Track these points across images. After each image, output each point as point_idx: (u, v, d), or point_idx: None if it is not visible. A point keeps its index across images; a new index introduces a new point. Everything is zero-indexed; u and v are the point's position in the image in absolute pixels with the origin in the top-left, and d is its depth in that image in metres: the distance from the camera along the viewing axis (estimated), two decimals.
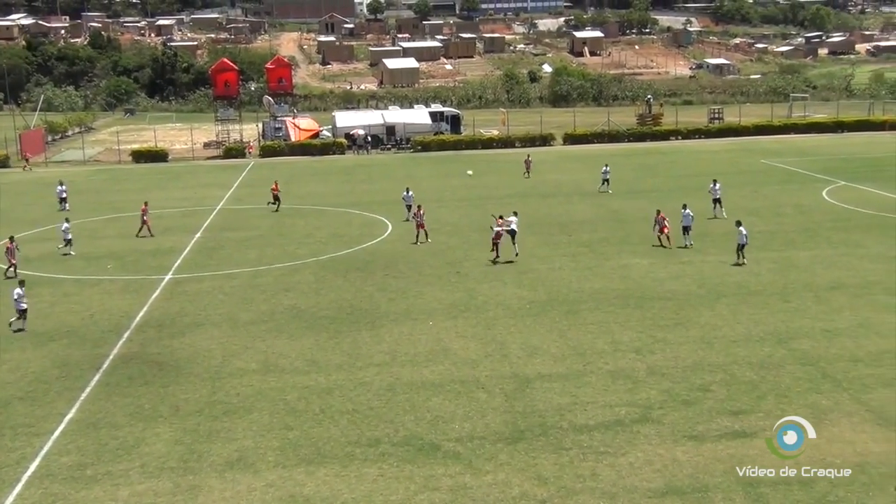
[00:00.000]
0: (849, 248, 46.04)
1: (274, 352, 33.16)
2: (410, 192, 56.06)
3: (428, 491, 22.80)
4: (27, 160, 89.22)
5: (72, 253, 49.01)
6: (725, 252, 44.65)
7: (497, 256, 44.49)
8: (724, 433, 25.39)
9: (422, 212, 49.80)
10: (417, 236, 49.47)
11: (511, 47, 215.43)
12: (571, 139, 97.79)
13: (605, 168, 66.27)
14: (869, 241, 47.22)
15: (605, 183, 65.22)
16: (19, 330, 35.77)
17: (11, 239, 44.08)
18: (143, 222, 53.54)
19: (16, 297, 35.96)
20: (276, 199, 61.71)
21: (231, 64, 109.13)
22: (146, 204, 54.73)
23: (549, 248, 46.76)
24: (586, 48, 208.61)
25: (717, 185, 54.49)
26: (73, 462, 24.95)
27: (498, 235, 44.53)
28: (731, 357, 31.09)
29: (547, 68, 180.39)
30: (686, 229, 46.58)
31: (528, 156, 76.70)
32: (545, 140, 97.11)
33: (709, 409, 27.06)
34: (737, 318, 35.07)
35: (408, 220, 53.92)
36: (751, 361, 30.64)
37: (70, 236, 49.58)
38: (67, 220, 51.17)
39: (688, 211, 46.76)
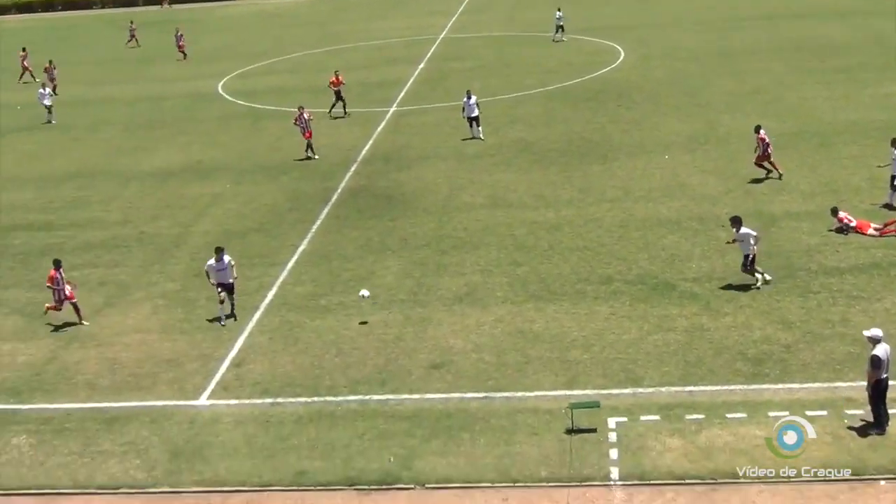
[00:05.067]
0: None
1: (501, 186, 32.33)
2: (472, 99, 38.40)
3: (662, 331, 21.63)
4: None
5: None
6: None
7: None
8: None
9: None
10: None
11: None
12: None
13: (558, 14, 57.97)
14: None
15: (560, 30, 57.69)
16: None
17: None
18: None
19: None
20: None
21: None
22: None
23: (799, 74, 43.16)
24: None
25: None
26: (307, 292, 25.30)
27: None
28: None
29: None
30: None
31: None
32: None
33: None
34: None
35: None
36: None
37: None
38: None
39: None
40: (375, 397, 19.96)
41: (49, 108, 47.66)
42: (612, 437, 17.81)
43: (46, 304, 24.96)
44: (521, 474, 16.98)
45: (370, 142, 38.89)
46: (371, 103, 45.41)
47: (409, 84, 49.21)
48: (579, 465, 17.07)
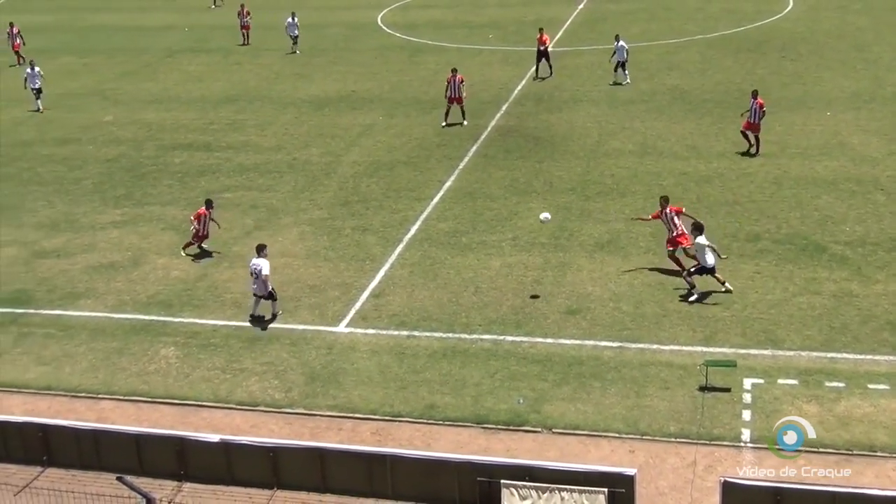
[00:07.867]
0: None
1: (652, 134, 31.72)
2: (621, 42, 37.67)
3: (808, 294, 21.00)
4: None
5: None
6: None
7: None
8: None
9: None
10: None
11: None
12: None
13: None
14: None
15: None
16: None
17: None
18: None
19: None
20: None
21: None
22: None
23: None
24: None
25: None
26: (449, 229, 25.57)
27: None
28: None
29: None
30: None
31: None
32: None
33: None
34: None
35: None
36: None
37: None
38: None
39: None
40: (509, 338, 20.13)
41: (295, 39, 46.80)
42: (747, 398, 17.51)
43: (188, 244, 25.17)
44: (649, 427, 16.91)
45: (522, 82, 38.65)
46: (526, 42, 44.98)
47: (566, 24, 48.56)
48: (710, 423, 16.87)
